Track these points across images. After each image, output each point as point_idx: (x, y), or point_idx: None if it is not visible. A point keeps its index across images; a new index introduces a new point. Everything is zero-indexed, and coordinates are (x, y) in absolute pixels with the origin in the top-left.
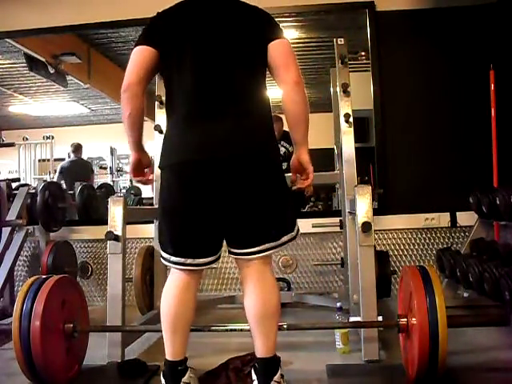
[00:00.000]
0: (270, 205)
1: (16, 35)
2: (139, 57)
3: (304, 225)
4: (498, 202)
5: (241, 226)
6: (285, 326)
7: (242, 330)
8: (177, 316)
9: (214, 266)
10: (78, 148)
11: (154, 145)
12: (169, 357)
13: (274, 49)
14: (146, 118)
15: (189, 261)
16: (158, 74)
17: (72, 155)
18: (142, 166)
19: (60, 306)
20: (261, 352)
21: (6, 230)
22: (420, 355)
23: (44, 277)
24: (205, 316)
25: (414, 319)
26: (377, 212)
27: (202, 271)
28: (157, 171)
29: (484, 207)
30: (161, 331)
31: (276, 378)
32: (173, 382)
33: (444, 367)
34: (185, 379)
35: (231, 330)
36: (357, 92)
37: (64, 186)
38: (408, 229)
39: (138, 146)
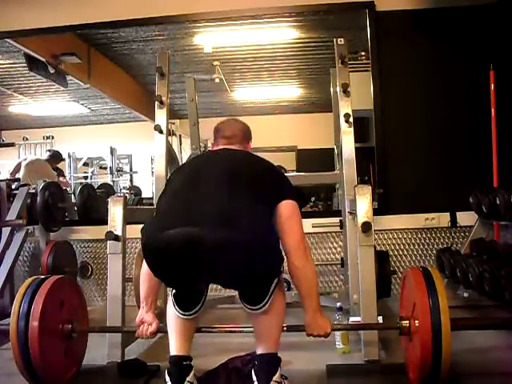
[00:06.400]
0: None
1: (16, 35)
2: None
3: (304, 225)
4: (497, 202)
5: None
6: (284, 328)
7: (241, 331)
8: (181, 324)
9: None
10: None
11: (154, 145)
12: (174, 352)
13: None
14: (145, 118)
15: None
16: (157, 73)
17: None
18: (143, 323)
19: (58, 306)
20: (261, 349)
21: (6, 230)
22: (422, 358)
23: (42, 277)
24: (205, 316)
25: (416, 321)
26: (377, 212)
27: None
28: (156, 172)
29: (484, 207)
30: (161, 332)
31: (276, 377)
32: (177, 379)
33: (447, 371)
34: (189, 378)
35: (231, 332)
36: (357, 92)
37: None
38: (408, 229)
39: (143, 301)
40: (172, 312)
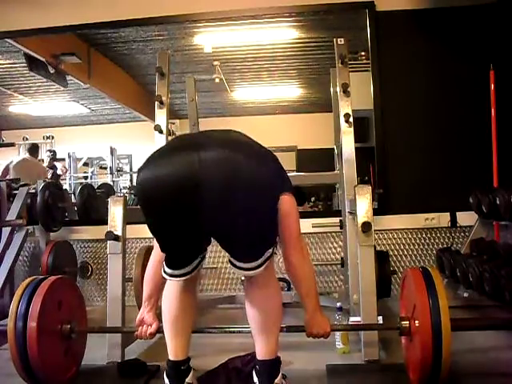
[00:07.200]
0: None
1: (16, 35)
2: None
3: (304, 225)
4: (498, 202)
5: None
6: (284, 329)
7: (240, 331)
8: (177, 320)
9: (213, 266)
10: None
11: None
12: (172, 357)
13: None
14: (145, 118)
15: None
16: (157, 73)
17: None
18: (143, 323)
19: (57, 306)
20: (262, 354)
21: (6, 230)
22: (422, 359)
23: (41, 277)
24: (205, 316)
25: (416, 322)
26: (377, 212)
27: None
28: None
29: (484, 207)
30: (161, 332)
31: (277, 380)
32: (177, 382)
33: (447, 371)
34: (188, 379)
35: (230, 332)
36: (357, 92)
37: None
38: (408, 229)
39: (145, 301)
40: (166, 299)
